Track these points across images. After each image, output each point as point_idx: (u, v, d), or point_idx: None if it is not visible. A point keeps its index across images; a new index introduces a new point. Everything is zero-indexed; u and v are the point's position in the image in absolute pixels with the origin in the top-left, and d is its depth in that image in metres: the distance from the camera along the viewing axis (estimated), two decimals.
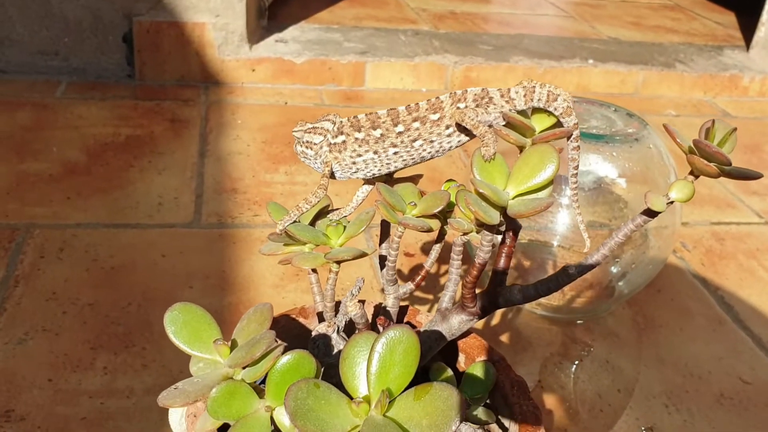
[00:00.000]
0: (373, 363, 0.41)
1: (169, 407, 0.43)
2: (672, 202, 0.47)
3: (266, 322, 0.45)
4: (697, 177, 0.49)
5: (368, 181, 0.57)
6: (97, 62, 1.68)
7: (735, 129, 0.50)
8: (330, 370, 0.50)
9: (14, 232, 1.12)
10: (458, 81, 1.83)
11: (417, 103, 0.52)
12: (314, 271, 0.58)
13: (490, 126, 0.50)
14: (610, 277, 1.09)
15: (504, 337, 1.01)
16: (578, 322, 1.05)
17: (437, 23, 2.17)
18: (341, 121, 0.54)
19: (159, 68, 1.68)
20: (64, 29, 1.64)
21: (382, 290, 0.52)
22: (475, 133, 0.49)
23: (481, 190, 0.43)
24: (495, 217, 0.44)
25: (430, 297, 1.04)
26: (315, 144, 0.54)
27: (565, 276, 0.49)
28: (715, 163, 0.46)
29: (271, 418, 0.43)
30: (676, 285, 1.14)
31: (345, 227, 0.54)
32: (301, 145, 0.55)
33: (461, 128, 0.51)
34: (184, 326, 0.46)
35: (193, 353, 0.46)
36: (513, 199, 0.46)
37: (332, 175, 0.55)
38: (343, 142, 0.53)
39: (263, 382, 0.44)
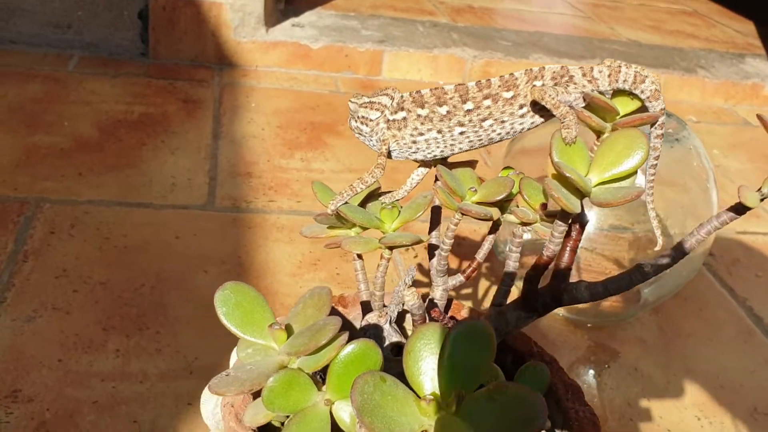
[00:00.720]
0: (445, 358, 0.38)
1: (223, 395, 0.39)
2: (765, 198, 0.43)
3: (325, 307, 0.42)
4: None
5: (424, 164, 0.53)
6: (111, 38, 1.64)
7: None
8: (385, 364, 0.46)
9: (23, 205, 1.08)
10: (477, 75, 1.80)
11: (488, 79, 0.48)
12: (359, 257, 0.54)
13: (570, 107, 0.46)
14: None
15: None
16: (602, 327, 1.02)
17: (455, 16, 2.13)
18: (402, 96, 0.50)
19: (173, 47, 1.64)
20: (78, 2, 1.60)
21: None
22: (555, 113, 0.46)
23: (566, 174, 0.39)
24: (577, 205, 0.41)
25: (470, 291, 1.00)
26: (371, 120, 0.50)
27: (639, 274, 0.46)
28: None
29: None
30: (703, 294, 1.11)
31: (400, 211, 0.51)
32: (355, 120, 0.51)
33: (536, 108, 0.48)
34: (236, 307, 0.43)
35: (246, 337, 0.42)
36: (596, 186, 0.42)
37: (389, 155, 0.51)
38: (404, 119, 0.49)
39: (320, 374, 0.41)
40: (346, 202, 0.50)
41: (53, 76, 1.50)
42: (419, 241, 0.48)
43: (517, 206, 0.50)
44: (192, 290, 0.97)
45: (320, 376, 0.43)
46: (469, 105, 0.48)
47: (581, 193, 0.41)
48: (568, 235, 0.48)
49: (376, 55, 1.75)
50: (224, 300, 0.43)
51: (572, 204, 0.41)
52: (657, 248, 0.49)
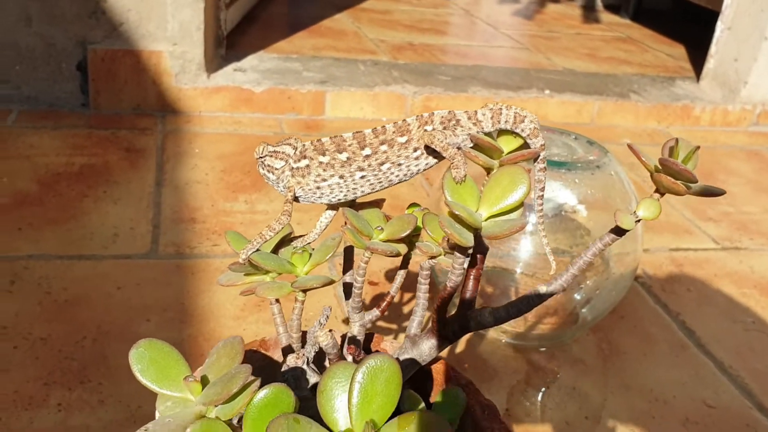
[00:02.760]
0: (354, 394, 0.40)
1: None
2: (639, 220, 0.46)
3: (238, 356, 0.43)
4: (662, 195, 0.48)
5: (331, 207, 0.56)
6: (50, 90, 1.64)
7: (698, 147, 0.50)
8: (303, 404, 0.48)
9: None
10: (418, 111, 1.83)
11: (384, 126, 0.51)
12: (277, 301, 0.56)
13: (458, 148, 0.49)
14: (574, 304, 1.09)
15: (469, 366, 1.00)
16: (541, 349, 1.04)
17: (396, 54, 2.18)
18: (304, 145, 0.52)
19: (114, 97, 1.65)
20: (15, 57, 1.60)
21: (345, 320, 0.50)
22: (444, 155, 0.49)
23: (456, 212, 0.42)
24: (470, 239, 0.44)
25: (393, 326, 1.02)
26: (276, 169, 0.53)
27: (536, 296, 0.48)
28: (682, 181, 0.46)
29: None
30: (638, 311, 1.15)
31: (311, 254, 0.53)
32: (263, 168, 0.54)
33: (429, 151, 0.50)
34: (151, 363, 0.44)
35: (162, 392, 0.43)
36: (486, 220, 0.45)
37: (296, 200, 0.53)
38: (307, 166, 0.52)
39: (239, 420, 0.42)
40: (258, 250, 0.52)
41: None
42: (330, 282, 0.50)
43: (422, 241, 0.52)
44: (134, 340, 0.95)
45: (238, 422, 0.45)
46: (367, 150, 0.50)
47: (473, 228, 0.44)
48: (471, 265, 0.50)
49: (319, 95, 1.78)
50: (139, 357, 0.45)
51: (465, 238, 0.43)
52: (551, 273, 0.52)
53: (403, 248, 0.52)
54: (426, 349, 0.53)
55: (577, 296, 1.13)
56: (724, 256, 1.35)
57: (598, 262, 1.14)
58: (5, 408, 0.85)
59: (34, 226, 1.19)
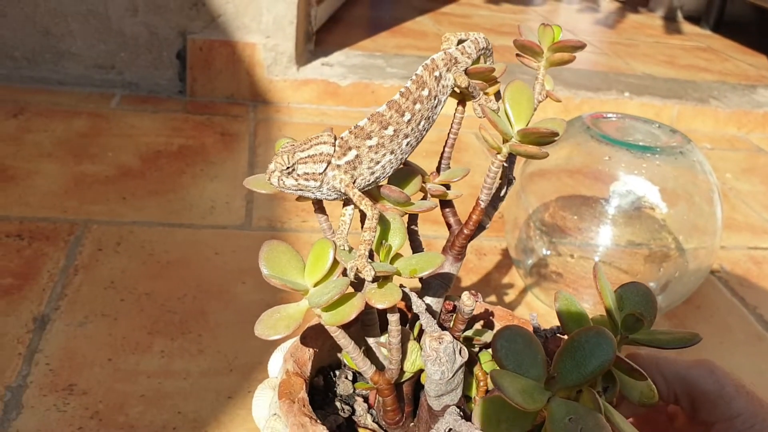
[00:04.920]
0: None
1: None
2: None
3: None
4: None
5: (347, 202, 0.54)
6: (151, 77, 1.75)
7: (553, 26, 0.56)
8: None
9: (73, 226, 1.17)
10: None
11: (406, 87, 0.51)
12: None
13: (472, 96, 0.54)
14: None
15: None
16: None
17: None
18: (342, 138, 0.49)
19: (209, 85, 1.74)
20: (121, 44, 1.71)
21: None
22: (474, 95, 0.53)
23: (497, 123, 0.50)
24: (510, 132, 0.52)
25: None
26: (319, 173, 0.48)
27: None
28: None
29: None
30: (715, 302, 1.16)
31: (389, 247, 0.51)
32: (295, 179, 0.48)
33: (441, 97, 0.53)
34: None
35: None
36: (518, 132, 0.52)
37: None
38: (357, 156, 0.49)
39: None
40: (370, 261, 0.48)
41: (97, 113, 1.60)
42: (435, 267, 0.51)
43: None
44: (231, 299, 1.04)
45: None
46: (407, 116, 0.51)
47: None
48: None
49: None
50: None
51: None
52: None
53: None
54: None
55: (653, 284, 1.15)
56: None
57: (673, 251, 1.16)
58: (114, 351, 0.92)
59: (137, 196, 1.28)
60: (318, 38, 2.04)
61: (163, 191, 1.31)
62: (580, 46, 0.55)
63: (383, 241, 0.49)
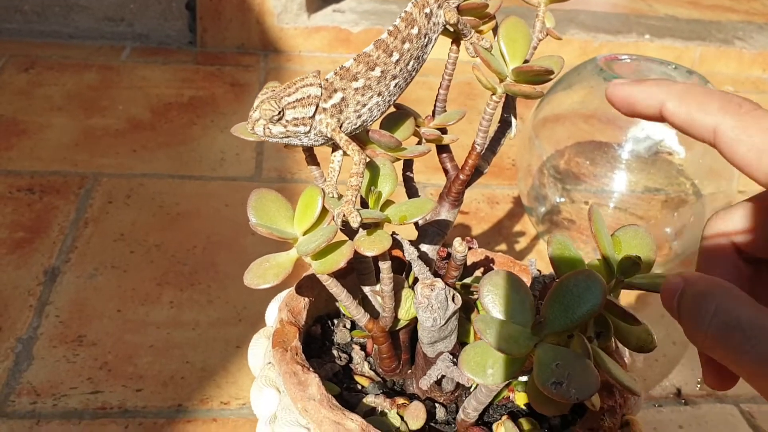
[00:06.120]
0: None
1: None
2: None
3: None
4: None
5: (336, 148, 0.51)
6: (161, 29, 1.73)
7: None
8: None
9: (83, 179, 1.17)
10: None
11: (394, 25, 0.49)
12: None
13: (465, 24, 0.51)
14: (666, 237, 1.09)
15: None
16: None
17: None
18: (326, 79, 0.47)
19: (220, 35, 1.72)
20: None
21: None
22: (464, 31, 0.50)
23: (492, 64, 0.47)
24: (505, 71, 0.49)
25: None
26: (308, 118, 0.46)
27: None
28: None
29: None
30: None
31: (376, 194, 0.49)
32: (283, 125, 0.46)
33: (432, 35, 0.50)
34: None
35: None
36: (514, 70, 0.49)
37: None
38: (342, 99, 0.47)
39: None
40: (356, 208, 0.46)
41: (107, 66, 1.59)
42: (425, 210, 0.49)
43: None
44: (240, 251, 1.04)
45: None
46: (395, 56, 0.48)
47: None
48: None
49: None
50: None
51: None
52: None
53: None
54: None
55: (668, 230, 1.13)
56: None
57: (690, 197, 1.13)
58: (124, 302, 0.93)
59: (147, 149, 1.28)
60: None
61: (173, 143, 1.30)
62: None
63: (372, 188, 0.48)
